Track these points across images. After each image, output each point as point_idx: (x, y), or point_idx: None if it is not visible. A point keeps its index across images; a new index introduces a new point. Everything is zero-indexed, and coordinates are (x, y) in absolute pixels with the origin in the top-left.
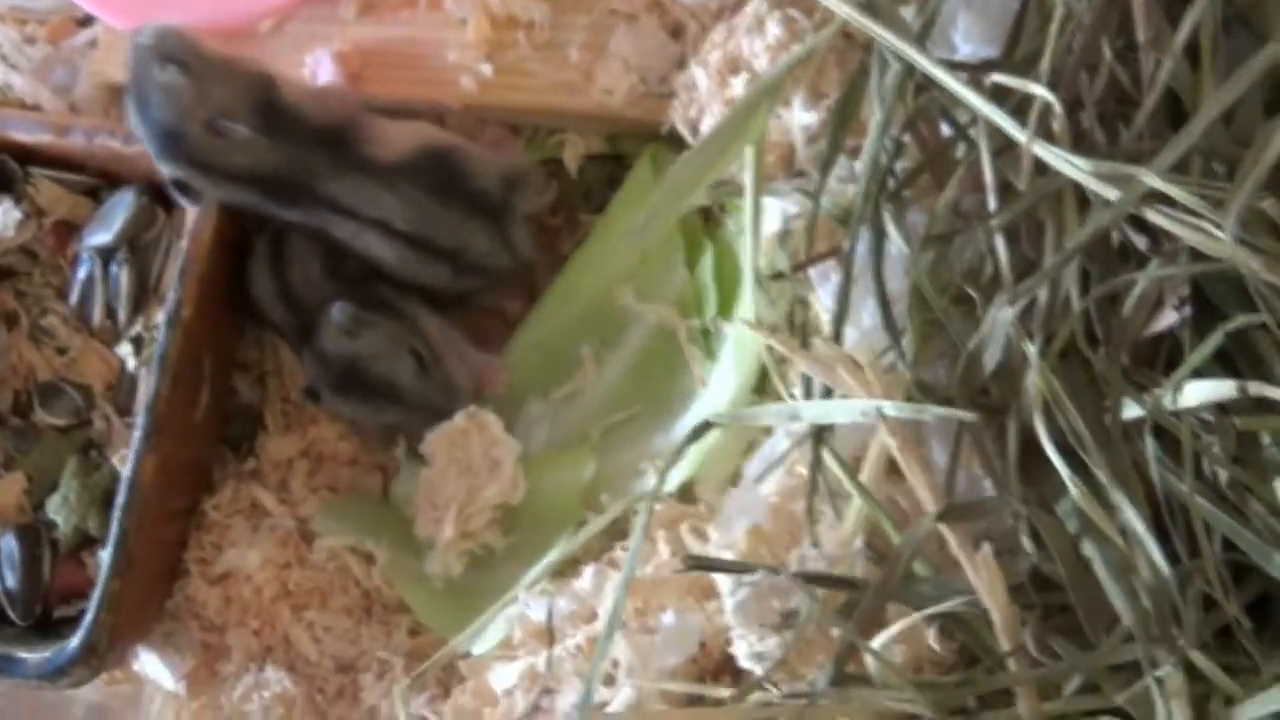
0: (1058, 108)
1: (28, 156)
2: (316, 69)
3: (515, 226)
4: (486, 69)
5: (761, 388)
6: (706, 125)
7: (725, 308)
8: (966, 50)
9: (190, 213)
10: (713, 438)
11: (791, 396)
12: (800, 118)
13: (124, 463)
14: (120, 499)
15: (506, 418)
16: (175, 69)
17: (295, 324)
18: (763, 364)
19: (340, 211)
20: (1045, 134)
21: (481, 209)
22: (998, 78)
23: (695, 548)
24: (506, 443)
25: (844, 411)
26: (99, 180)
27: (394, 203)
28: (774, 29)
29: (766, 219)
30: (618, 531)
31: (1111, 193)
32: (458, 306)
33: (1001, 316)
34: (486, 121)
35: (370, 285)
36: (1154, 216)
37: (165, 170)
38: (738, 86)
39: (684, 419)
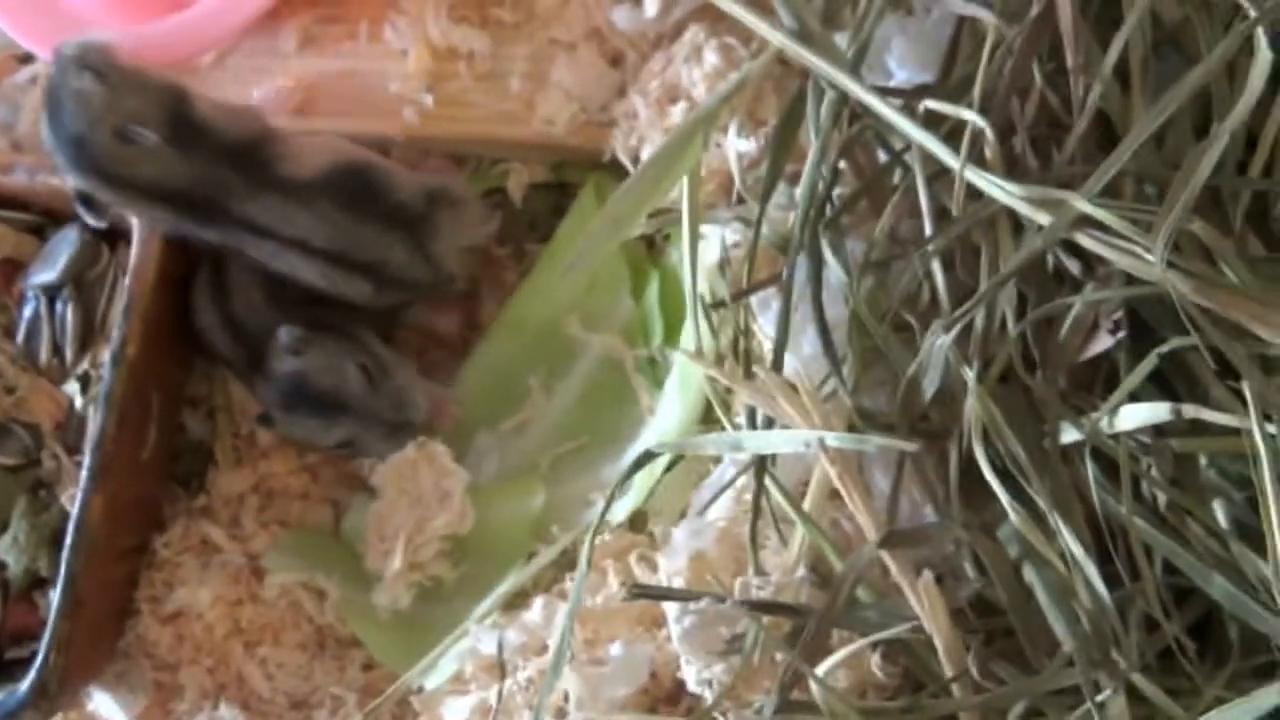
0: (989, 133)
1: None
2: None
3: (438, 240)
4: (428, 100)
5: (708, 415)
6: (647, 154)
7: (671, 336)
8: (902, 76)
9: (134, 249)
10: (662, 467)
11: (736, 425)
12: (738, 145)
13: (73, 502)
14: (68, 540)
15: (456, 449)
16: (90, 76)
17: (243, 354)
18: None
19: (257, 232)
20: (978, 160)
21: (399, 222)
22: (930, 104)
23: (644, 577)
24: (456, 473)
25: (785, 442)
26: (43, 218)
27: (310, 221)
28: (711, 57)
29: (706, 247)
30: (568, 563)
31: (1043, 218)
32: (395, 328)
33: (939, 342)
34: (429, 153)
35: (314, 309)
36: (1086, 241)
37: (72, 182)
38: (677, 115)
39: (633, 448)
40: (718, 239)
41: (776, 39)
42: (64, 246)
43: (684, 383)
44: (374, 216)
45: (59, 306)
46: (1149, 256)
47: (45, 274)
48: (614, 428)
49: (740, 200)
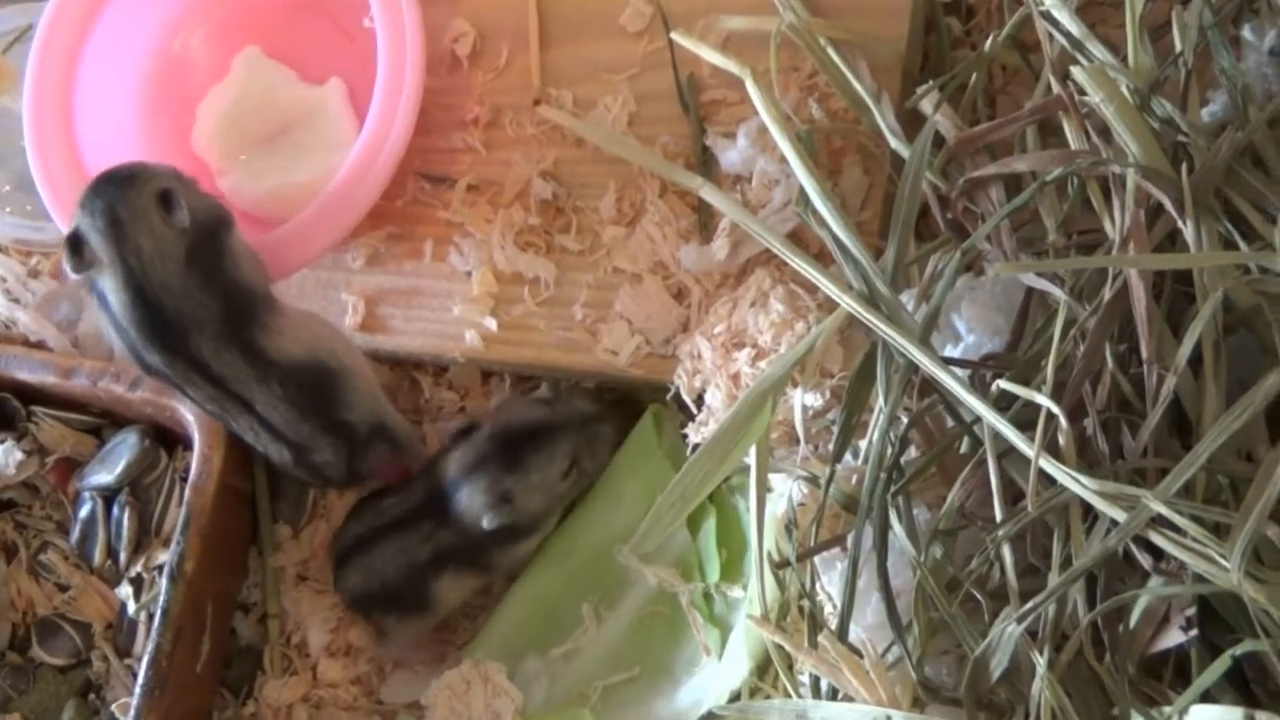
0: (1064, 423)
1: (31, 396)
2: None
3: (365, 462)
4: (491, 323)
5: (768, 663)
6: (711, 397)
7: (728, 572)
8: (970, 340)
9: (194, 463)
10: None
11: (798, 681)
12: (803, 398)
13: (124, 710)
14: None
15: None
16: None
17: None
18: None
19: (208, 377)
20: (1050, 445)
21: (340, 436)
22: (1005, 385)
23: None
24: (509, 693)
25: (852, 717)
26: (101, 419)
27: (261, 396)
28: (777, 305)
29: (772, 500)
30: None
31: (1118, 514)
32: None
33: (1009, 631)
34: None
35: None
36: (1159, 540)
37: (79, 216)
38: (741, 360)
39: (687, 685)
40: (784, 493)
41: (845, 303)
42: (123, 450)
43: (749, 635)
44: (317, 421)
45: (115, 510)
46: (1224, 563)
47: (102, 476)
48: (666, 661)
49: (809, 448)
